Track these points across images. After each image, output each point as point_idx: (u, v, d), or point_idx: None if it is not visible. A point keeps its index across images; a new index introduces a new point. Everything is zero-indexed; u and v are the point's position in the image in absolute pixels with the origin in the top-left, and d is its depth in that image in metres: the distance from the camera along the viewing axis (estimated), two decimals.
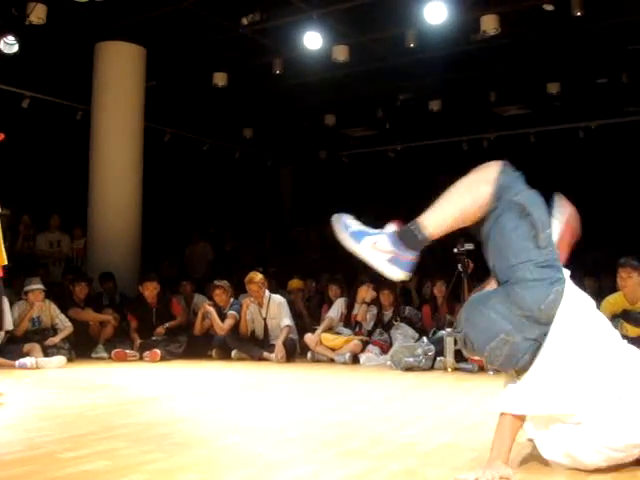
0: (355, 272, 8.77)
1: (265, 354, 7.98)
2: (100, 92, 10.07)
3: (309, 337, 8.08)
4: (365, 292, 8.29)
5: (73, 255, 10.82)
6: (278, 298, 8.31)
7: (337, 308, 8.43)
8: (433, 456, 2.97)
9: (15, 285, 7.95)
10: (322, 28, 9.15)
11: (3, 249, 4.77)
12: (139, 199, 10.22)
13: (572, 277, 2.66)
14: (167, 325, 8.32)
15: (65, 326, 7.79)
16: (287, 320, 8.13)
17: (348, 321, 8.34)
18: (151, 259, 10.69)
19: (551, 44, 9.96)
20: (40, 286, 7.70)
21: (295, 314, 8.80)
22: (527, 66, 10.90)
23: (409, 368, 6.82)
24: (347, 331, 8.22)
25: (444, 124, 13.10)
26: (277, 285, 9.76)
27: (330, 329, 8.27)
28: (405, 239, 2.59)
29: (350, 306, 8.41)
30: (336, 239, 2.65)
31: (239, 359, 8.03)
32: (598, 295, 6.79)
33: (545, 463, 2.70)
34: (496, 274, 2.69)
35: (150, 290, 8.40)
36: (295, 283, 10.01)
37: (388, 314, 8.26)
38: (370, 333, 8.14)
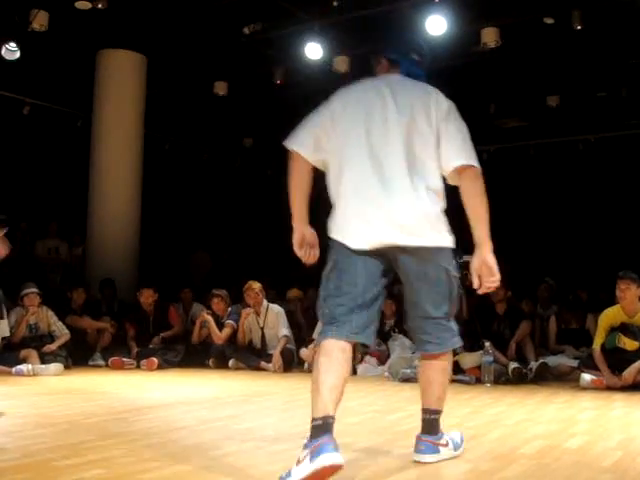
0: None
1: (262, 364, 7.96)
2: (101, 100, 10.11)
3: (305, 353, 7.88)
4: None
5: (72, 262, 10.81)
6: (276, 308, 8.28)
7: None
8: (428, 467, 2.96)
9: (12, 292, 7.92)
10: (323, 39, 9.18)
11: None
12: (138, 207, 10.24)
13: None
14: (163, 335, 8.30)
15: (62, 333, 7.77)
16: (285, 330, 8.09)
17: None
18: (150, 267, 10.68)
19: (551, 57, 9.99)
20: (35, 290, 7.67)
21: (294, 324, 8.75)
22: (527, 79, 10.93)
23: (406, 379, 6.80)
24: None
25: None
26: (276, 295, 9.73)
27: None
28: None
29: None
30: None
31: (236, 368, 8.01)
32: (596, 308, 6.79)
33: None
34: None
35: (146, 297, 8.38)
36: (294, 292, 9.96)
37: (390, 323, 8.20)
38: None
